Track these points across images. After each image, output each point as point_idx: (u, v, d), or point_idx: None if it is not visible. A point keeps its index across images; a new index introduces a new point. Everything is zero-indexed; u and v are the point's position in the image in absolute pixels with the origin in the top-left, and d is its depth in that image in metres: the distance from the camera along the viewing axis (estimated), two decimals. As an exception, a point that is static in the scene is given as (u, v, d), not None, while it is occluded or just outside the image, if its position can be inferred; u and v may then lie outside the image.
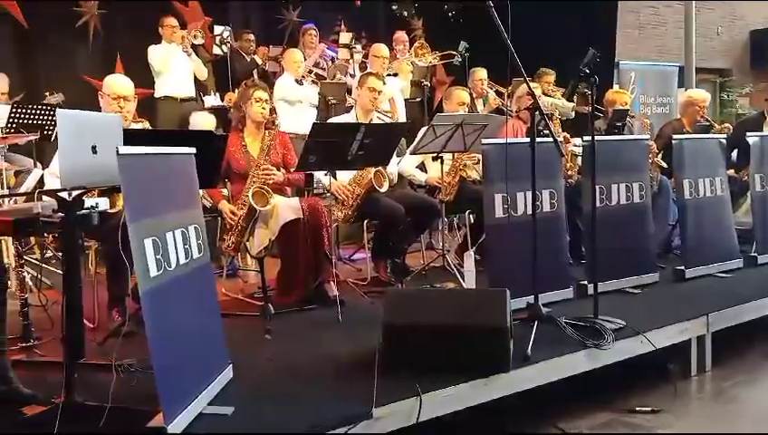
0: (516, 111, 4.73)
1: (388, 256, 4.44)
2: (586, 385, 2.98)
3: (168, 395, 2.13)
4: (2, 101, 5.40)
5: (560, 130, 4.51)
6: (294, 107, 5.83)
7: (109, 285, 3.47)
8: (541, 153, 3.19)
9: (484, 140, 3.61)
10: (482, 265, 4.03)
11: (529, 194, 3.38)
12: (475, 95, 6.13)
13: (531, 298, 3.20)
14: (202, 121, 5.86)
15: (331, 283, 3.87)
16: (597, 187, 3.50)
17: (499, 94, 6.35)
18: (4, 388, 2.45)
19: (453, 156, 4.42)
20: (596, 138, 3.40)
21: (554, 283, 3.58)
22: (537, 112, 3.18)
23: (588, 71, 3.22)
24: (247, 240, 3.84)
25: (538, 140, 3.18)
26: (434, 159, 4.25)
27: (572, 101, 5.25)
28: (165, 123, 6.02)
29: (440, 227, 4.75)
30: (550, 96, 5.17)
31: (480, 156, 4.28)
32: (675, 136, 4.36)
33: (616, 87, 6.61)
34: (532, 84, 3.43)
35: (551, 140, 3.33)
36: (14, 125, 4.83)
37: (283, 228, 3.72)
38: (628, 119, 5.11)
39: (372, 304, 3.73)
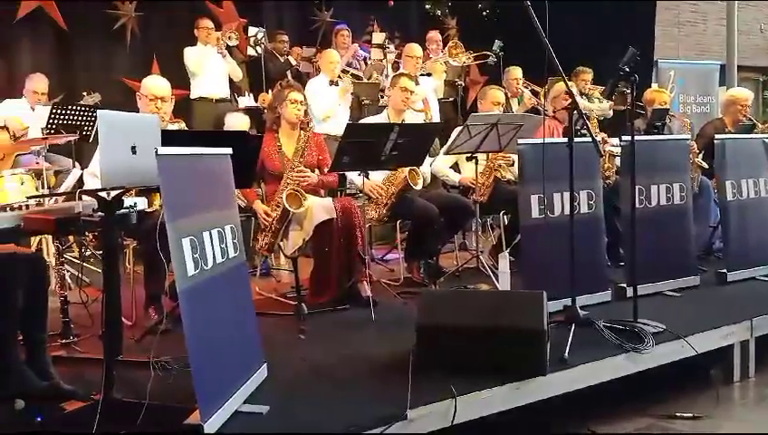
0: (553, 111, 4.67)
1: (421, 256, 4.41)
2: (625, 390, 2.93)
3: (205, 393, 2.15)
4: (42, 102, 5.51)
5: (597, 130, 4.43)
6: (325, 112, 5.79)
7: (146, 283, 3.52)
8: (579, 153, 3.13)
9: (520, 140, 3.57)
10: (516, 266, 3.99)
11: (566, 194, 3.33)
12: (509, 94, 6.07)
13: (568, 301, 3.15)
14: (236, 122, 5.91)
15: (365, 283, 3.86)
16: (636, 187, 3.43)
17: (534, 93, 6.28)
18: (46, 383, 2.50)
19: (487, 156, 4.37)
20: (635, 137, 3.33)
21: (592, 285, 3.52)
22: (575, 112, 3.13)
23: (627, 69, 3.14)
24: (281, 241, 3.85)
25: (576, 139, 3.12)
26: (468, 159, 4.21)
27: (611, 100, 5.16)
28: (200, 124, 6.09)
29: (473, 228, 4.71)
30: (587, 95, 5.09)
31: (514, 156, 4.25)
32: (717, 136, 4.25)
33: (655, 86, 6.47)
34: (568, 83, 3.38)
35: (588, 139, 3.27)
36: (54, 126, 4.93)
37: (317, 229, 3.73)
38: (667, 118, 5.01)
39: (405, 305, 3.72)
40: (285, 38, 7.06)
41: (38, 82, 5.57)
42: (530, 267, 3.48)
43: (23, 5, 6.29)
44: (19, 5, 6.29)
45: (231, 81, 6.53)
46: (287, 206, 3.68)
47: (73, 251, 4.94)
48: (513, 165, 4.42)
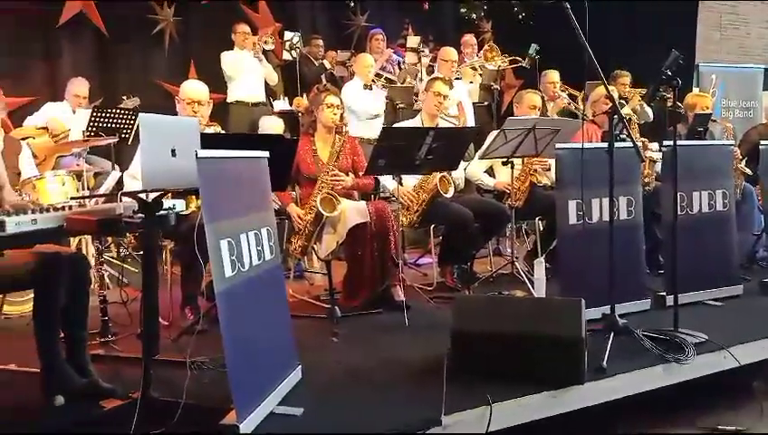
0: (593, 115, 4.60)
1: (455, 261, 4.38)
2: (665, 401, 2.86)
3: (241, 394, 2.16)
4: (82, 106, 5.63)
5: (638, 135, 4.35)
6: (358, 117, 5.80)
7: (183, 283, 3.56)
8: (619, 158, 3.07)
9: (558, 145, 3.52)
10: (551, 272, 3.93)
11: (605, 201, 3.27)
12: (546, 98, 5.99)
13: (605, 308, 3.09)
14: (271, 125, 5.96)
15: (398, 287, 3.85)
16: (677, 194, 3.36)
17: (572, 97, 6.19)
18: (85, 381, 2.54)
19: (523, 161, 4.32)
20: (677, 142, 3.26)
21: (631, 293, 3.46)
22: (615, 116, 3.08)
23: (670, 73, 3.07)
24: (314, 244, 3.86)
25: (616, 144, 3.07)
26: (504, 163, 4.17)
27: (651, 106, 5.07)
28: (236, 127, 6.15)
29: (508, 234, 4.66)
30: (625, 99, 5.00)
31: (551, 161, 4.19)
32: (761, 141, 4.15)
33: (696, 90, 6.34)
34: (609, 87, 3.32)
35: (629, 144, 3.21)
36: (94, 128, 5.02)
37: (351, 232, 3.73)
38: (709, 123, 4.90)
39: (438, 310, 3.71)
40: (320, 42, 7.10)
41: (79, 86, 5.68)
42: (567, 274, 3.43)
43: (65, 11, 6.44)
44: (62, 10, 6.44)
45: (267, 85, 6.59)
46: (321, 209, 3.69)
47: (111, 251, 5.03)
48: (549, 170, 4.37)
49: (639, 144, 3.86)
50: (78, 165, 4.65)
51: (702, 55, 8.29)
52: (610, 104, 3.08)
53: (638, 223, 3.62)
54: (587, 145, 3.20)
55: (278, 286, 2.69)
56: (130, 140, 5.17)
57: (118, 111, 5.20)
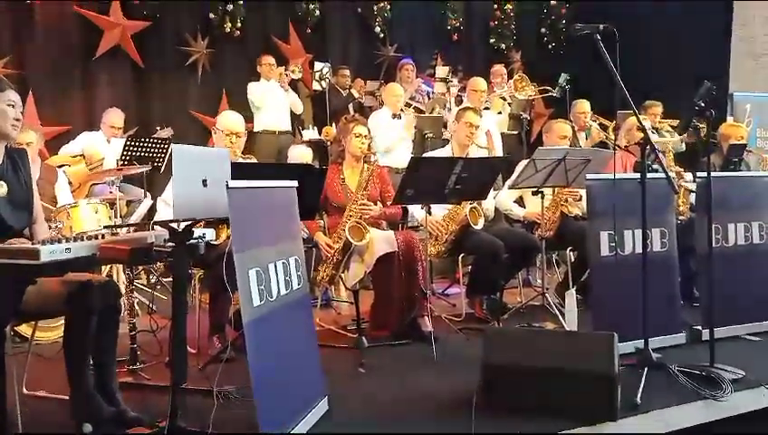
0: (626, 145, 4.54)
1: (484, 292, 4.33)
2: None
3: (268, 424, 2.15)
4: (117, 136, 5.74)
5: (673, 164, 4.27)
6: (386, 146, 5.80)
7: (210, 312, 3.57)
8: (651, 189, 3.04)
9: (589, 175, 3.48)
10: (582, 304, 3.86)
11: (637, 232, 3.23)
12: (576, 128, 5.94)
13: (639, 342, 3.03)
14: (299, 154, 6.02)
15: (426, 318, 3.81)
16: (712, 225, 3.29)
17: (603, 127, 6.13)
18: (113, 409, 2.54)
19: (553, 191, 4.28)
20: (711, 173, 3.21)
21: (665, 327, 3.39)
22: (648, 146, 3.04)
23: (703, 104, 3.03)
24: (342, 273, 3.85)
25: (649, 175, 3.02)
26: (534, 193, 4.13)
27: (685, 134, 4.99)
28: (263, 156, 6.21)
29: (538, 264, 4.59)
30: (656, 129, 4.94)
31: (582, 191, 4.14)
32: (798, 172, 4.06)
33: (730, 120, 6.25)
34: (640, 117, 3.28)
35: (661, 175, 3.16)
36: (128, 157, 5.12)
37: (378, 261, 3.72)
38: (744, 154, 4.81)
39: (467, 341, 3.65)
40: (347, 72, 7.21)
41: (114, 117, 5.80)
42: (599, 307, 3.37)
43: (102, 43, 6.63)
44: (99, 42, 6.63)
45: (294, 114, 6.67)
46: (349, 238, 3.68)
47: (141, 278, 5.07)
48: (580, 200, 4.31)
49: (673, 174, 3.81)
50: (111, 193, 4.73)
51: (736, 85, 8.18)
52: (642, 134, 3.05)
53: (671, 254, 3.55)
54: (619, 175, 3.17)
55: (306, 316, 2.68)
56: (162, 168, 5.26)
57: (151, 140, 5.29)
